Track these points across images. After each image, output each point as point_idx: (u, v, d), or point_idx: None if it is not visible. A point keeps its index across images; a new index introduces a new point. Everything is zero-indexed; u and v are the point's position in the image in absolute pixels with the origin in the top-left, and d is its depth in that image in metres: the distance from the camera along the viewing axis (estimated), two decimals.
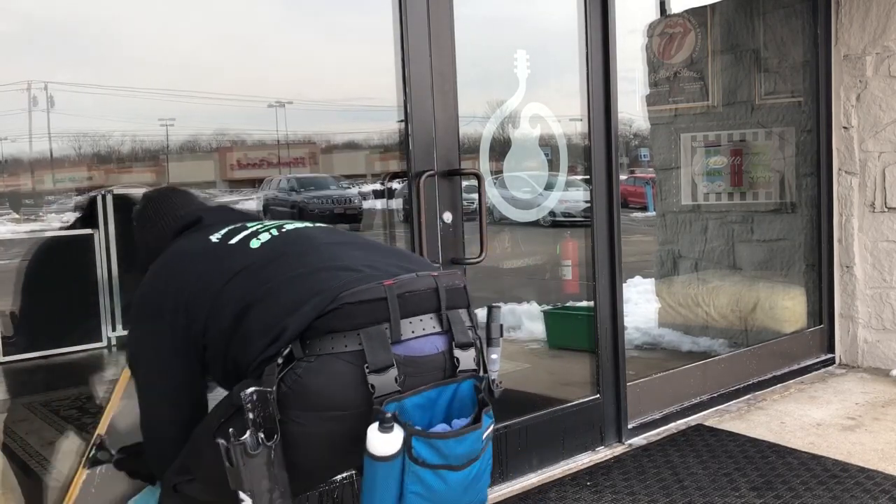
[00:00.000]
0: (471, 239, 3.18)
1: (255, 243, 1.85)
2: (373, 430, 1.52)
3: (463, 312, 1.76)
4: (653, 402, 3.93)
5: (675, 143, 5.71)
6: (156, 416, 1.89)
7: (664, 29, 5.53)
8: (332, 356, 1.59)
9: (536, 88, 3.60)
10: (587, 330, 3.75)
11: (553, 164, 3.75)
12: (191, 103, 3.51)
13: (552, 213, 3.84)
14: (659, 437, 3.78)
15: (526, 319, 4.97)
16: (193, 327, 1.78)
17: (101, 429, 2.24)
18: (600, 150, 3.66)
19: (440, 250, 3.08)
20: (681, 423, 3.96)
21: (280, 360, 1.60)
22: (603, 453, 3.61)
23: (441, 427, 1.61)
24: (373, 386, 1.57)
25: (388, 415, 1.52)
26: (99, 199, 3.57)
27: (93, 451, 2.18)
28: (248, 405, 1.53)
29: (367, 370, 1.58)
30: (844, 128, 4.82)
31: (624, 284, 3.81)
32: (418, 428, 1.56)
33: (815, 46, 4.86)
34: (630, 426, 3.77)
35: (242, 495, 1.54)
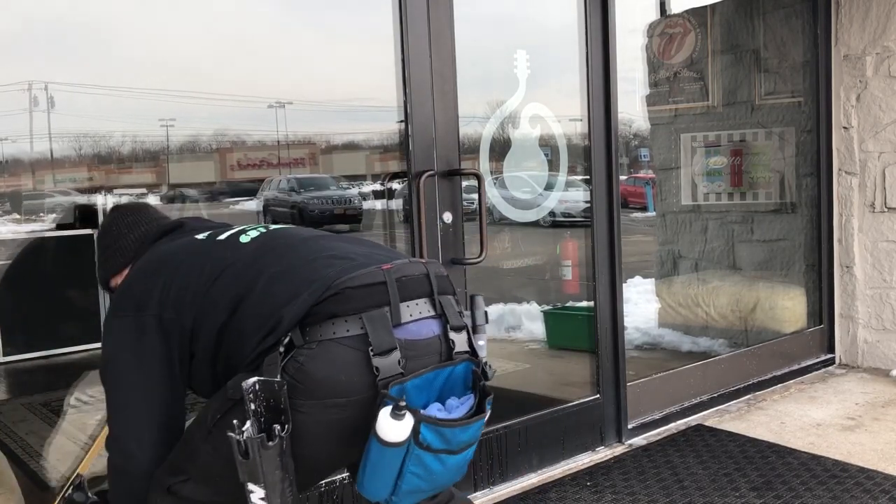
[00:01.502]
0: (471, 239, 3.18)
1: (244, 238, 1.84)
2: (384, 416, 1.51)
3: (451, 298, 1.77)
4: (653, 403, 3.93)
5: (675, 144, 5.71)
6: (130, 436, 1.76)
7: (664, 29, 5.53)
8: (333, 341, 1.58)
9: (536, 88, 3.60)
10: (587, 330, 3.75)
11: (553, 164, 3.75)
12: (191, 104, 3.51)
13: (552, 214, 3.84)
14: (659, 438, 3.78)
15: (526, 319, 4.97)
16: (182, 323, 1.73)
17: (83, 468, 2.16)
18: (600, 150, 3.66)
19: (440, 250, 3.08)
20: (681, 424, 3.96)
21: (281, 349, 1.58)
22: (603, 453, 3.61)
23: (435, 406, 1.62)
24: (377, 368, 1.56)
25: (402, 402, 1.51)
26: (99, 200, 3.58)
27: (69, 491, 2.09)
28: (250, 395, 1.50)
29: (371, 353, 1.57)
30: (844, 128, 4.82)
31: (624, 284, 3.81)
32: (427, 414, 1.57)
33: (815, 46, 4.85)
34: (630, 426, 3.77)
35: (253, 486, 1.52)
